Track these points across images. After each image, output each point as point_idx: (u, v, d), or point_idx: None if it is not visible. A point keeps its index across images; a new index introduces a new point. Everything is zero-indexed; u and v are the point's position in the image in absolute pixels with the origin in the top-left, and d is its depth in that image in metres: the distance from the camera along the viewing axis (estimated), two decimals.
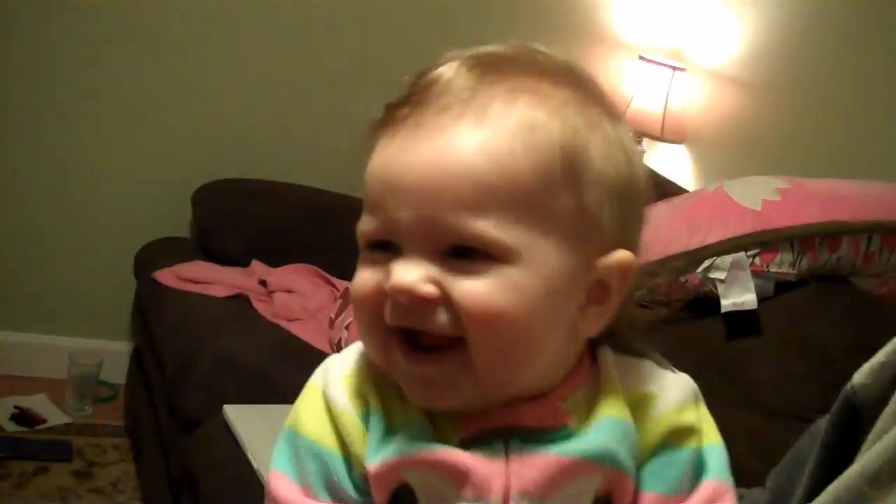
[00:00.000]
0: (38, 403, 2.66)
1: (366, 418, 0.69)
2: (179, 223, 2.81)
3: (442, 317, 0.64)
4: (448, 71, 0.68)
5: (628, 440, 0.68)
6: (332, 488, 0.69)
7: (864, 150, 2.40)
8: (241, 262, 2.58)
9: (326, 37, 2.86)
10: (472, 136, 0.64)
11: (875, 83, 2.42)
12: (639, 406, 0.70)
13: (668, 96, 2.94)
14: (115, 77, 2.70)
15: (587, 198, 0.66)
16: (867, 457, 0.56)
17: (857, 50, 2.50)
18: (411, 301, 0.64)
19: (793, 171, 1.96)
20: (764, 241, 1.74)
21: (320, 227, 2.69)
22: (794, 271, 1.77)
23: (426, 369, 0.66)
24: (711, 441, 0.72)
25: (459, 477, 0.65)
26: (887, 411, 0.62)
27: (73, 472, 2.40)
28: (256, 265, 2.55)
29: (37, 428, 2.55)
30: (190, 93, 2.78)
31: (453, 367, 0.65)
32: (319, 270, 2.58)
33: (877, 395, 0.70)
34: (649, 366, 0.73)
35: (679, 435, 0.70)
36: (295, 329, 2.26)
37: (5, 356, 2.75)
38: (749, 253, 1.74)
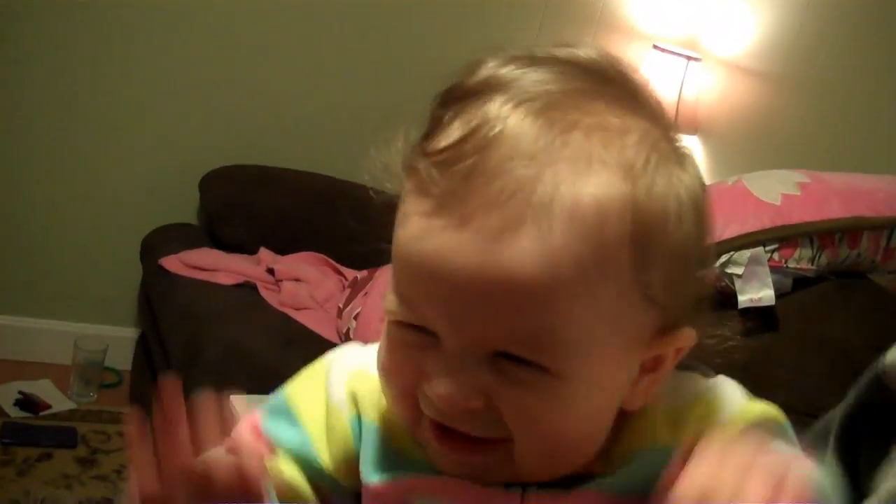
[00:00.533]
0: (43, 389, 2.64)
1: (356, 422, 0.67)
2: (187, 209, 2.80)
3: (486, 422, 0.59)
4: (506, 121, 0.56)
5: (651, 467, 0.61)
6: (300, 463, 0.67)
7: (883, 143, 2.37)
8: (248, 249, 2.57)
9: (335, 23, 2.83)
10: (531, 246, 0.54)
11: (892, 75, 2.39)
12: (701, 420, 0.63)
13: (682, 86, 2.90)
14: (123, 63, 2.68)
15: (653, 280, 0.57)
16: None
17: (874, 40, 2.46)
18: (456, 413, 0.58)
19: (808, 165, 1.93)
20: (783, 237, 1.72)
21: (329, 214, 2.67)
22: (813, 267, 1.75)
23: (463, 458, 0.61)
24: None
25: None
26: None
27: (78, 459, 2.39)
28: (264, 252, 2.54)
29: (41, 414, 2.54)
30: (198, 79, 2.76)
31: (494, 460, 0.60)
32: (328, 259, 2.57)
33: None
34: (694, 378, 0.66)
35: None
36: (302, 318, 2.25)
37: (10, 341, 2.74)
38: (767, 248, 1.72)
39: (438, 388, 0.57)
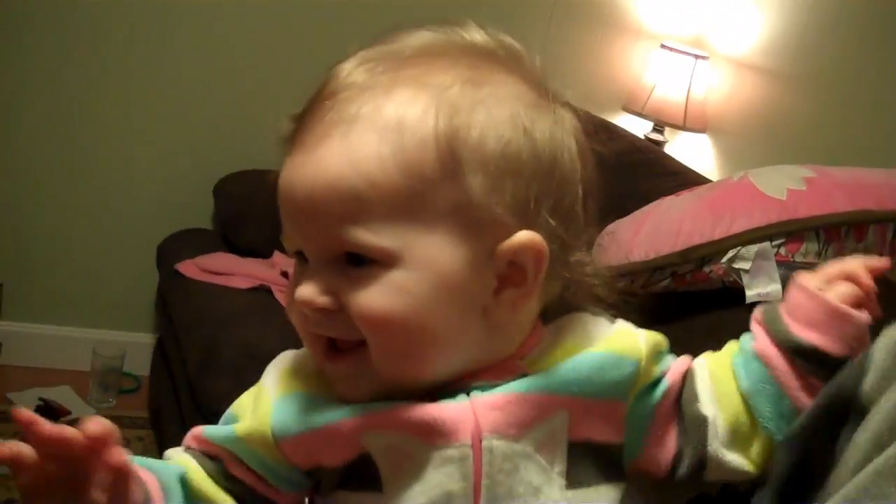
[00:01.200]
0: (63, 395, 2.68)
1: (283, 400, 0.72)
2: (202, 215, 2.83)
3: (342, 324, 0.67)
4: (342, 71, 0.69)
5: (588, 367, 0.70)
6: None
7: (888, 138, 2.38)
8: (262, 253, 2.58)
9: (352, 26, 2.85)
10: (339, 149, 0.65)
11: None
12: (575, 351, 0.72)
13: (690, 85, 2.92)
14: (139, 69, 2.71)
15: (473, 185, 0.65)
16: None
17: (880, 38, 2.48)
18: (312, 312, 0.68)
19: (816, 160, 1.94)
20: (789, 231, 1.72)
21: None
22: (820, 261, 1.75)
23: (335, 367, 0.70)
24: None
25: (428, 428, 0.67)
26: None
27: None
28: (278, 256, 2.56)
29: (61, 420, 2.55)
30: (213, 84, 2.78)
31: (355, 365, 0.68)
32: None
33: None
34: (606, 318, 0.76)
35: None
36: None
37: (30, 348, 2.78)
38: (774, 243, 1.73)
39: (299, 293, 0.68)
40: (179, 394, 2.25)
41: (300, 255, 0.70)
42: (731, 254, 1.73)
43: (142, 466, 0.68)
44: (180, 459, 0.75)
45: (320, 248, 0.67)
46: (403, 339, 0.67)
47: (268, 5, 2.77)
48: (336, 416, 0.69)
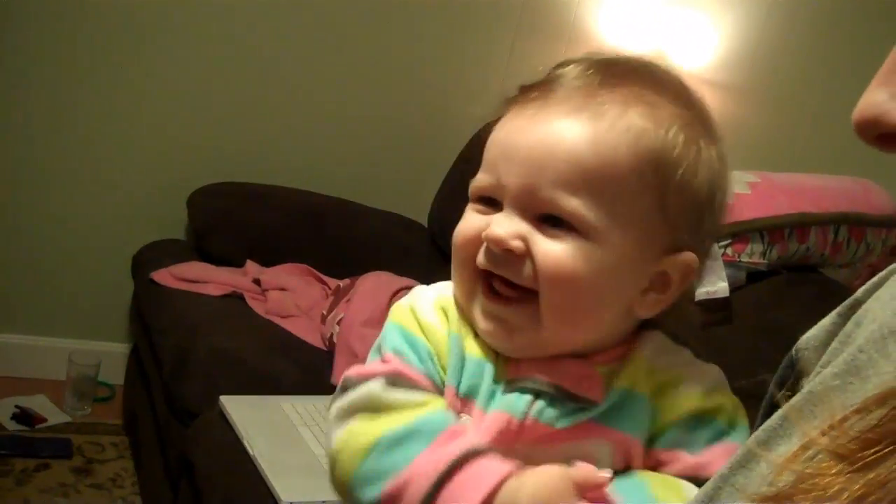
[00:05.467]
0: (39, 403, 2.71)
1: (449, 335, 0.81)
2: (175, 225, 2.87)
3: (523, 269, 0.76)
4: (575, 70, 0.80)
5: (633, 408, 0.77)
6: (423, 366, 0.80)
7: (831, 146, 2.48)
8: (235, 262, 2.64)
9: (323, 43, 2.91)
10: (585, 127, 0.75)
11: (842, 85, 2.50)
12: (668, 385, 0.79)
13: None
14: (112, 80, 2.75)
15: (669, 203, 0.77)
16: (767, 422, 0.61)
17: (825, 55, 2.59)
18: (500, 250, 0.76)
19: (765, 168, 2.03)
20: (735, 232, 1.82)
21: (312, 228, 2.76)
22: (765, 261, 1.85)
23: (501, 310, 0.78)
24: (738, 421, 0.80)
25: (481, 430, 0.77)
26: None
27: (74, 469, 2.45)
28: (250, 265, 2.61)
29: (37, 427, 2.61)
30: (186, 97, 2.83)
31: (522, 313, 0.77)
32: (311, 269, 2.64)
33: (814, 359, 0.76)
34: (684, 354, 0.82)
35: (707, 412, 0.79)
36: (288, 325, 2.33)
37: (6, 358, 2.81)
38: (721, 243, 1.82)
39: (492, 229, 0.76)
40: (154, 399, 2.29)
41: (484, 200, 0.79)
42: None
43: None
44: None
45: (529, 199, 0.76)
46: (575, 298, 0.76)
47: (243, 20, 2.82)
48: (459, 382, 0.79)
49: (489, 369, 0.79)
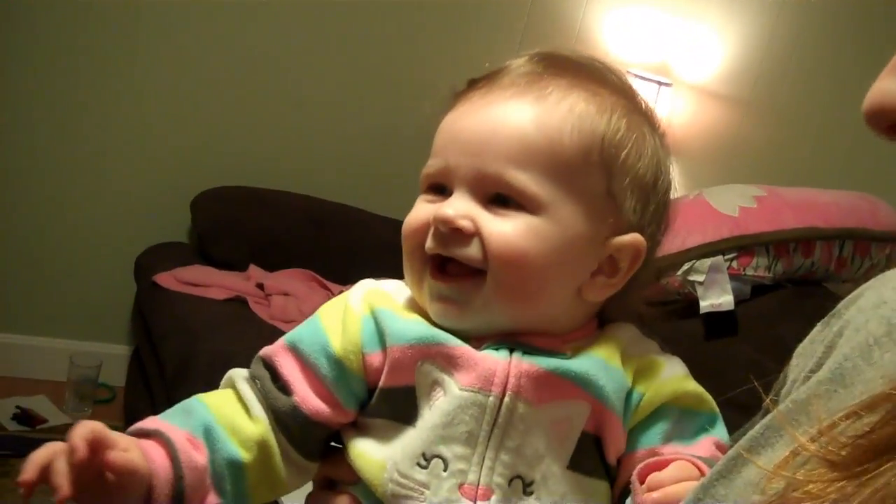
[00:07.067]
0: (39, 404, 2.71)
1: (368, 319, 0.80)
2: (178, 228, 2.87)
3: (472, 249, 0.77)
4: (520, 61, 0.82)
5: (614, 381, 0.77)
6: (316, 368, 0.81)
7: (836, 161, 2.49)
8: (238, 266, 2.64)
9: (329, 48, 2.92)
10: (529, 109, 0.78)
11: (848, 99, 2.50)
12: (647, 369, 0.80)
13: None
14: (117, 84, 2.76)
15: (615, 184, 0.79)
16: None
17: (830, 68, 2.59)
18: (449, 230, 0.77)
19: (770, 181, 2.04)
20: (741, 246, 1.82)
21: (315, 233, 2.76)
22: (770, 275, 1.85)
23: (448, 288, 0.78)
24: (716, 411, 0.82)
25: (466, 368, 0.76)
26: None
27: None
28: (253, 269, 2.61)
29: (38, 427, 2.61)
30: (190, 100, 2.84)
31: (469, 290, 0.78)
32: (315, 275, 2.64)
33: (801, 367, 0.76)
34: (654, 345, 0.84)
35: (688, 398, 0.80)
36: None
37: (8, 358, 2.81)
38: (726, 257, 1.82)
39: (441, 210, 0.77)
40: (156, 402, 2.29)
41: (435, 189, 0.81)
42: (685, 267, 1.82)
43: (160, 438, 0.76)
44: (206, 399, 0.84)
45: (477, 179, 0.77)
46: (523, 276, 0.77)
47: (249, 25, 2.83)
48: (409, 337, 0.78)
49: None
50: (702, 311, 1.80)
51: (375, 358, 0.79)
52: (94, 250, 2.87)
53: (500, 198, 0.77)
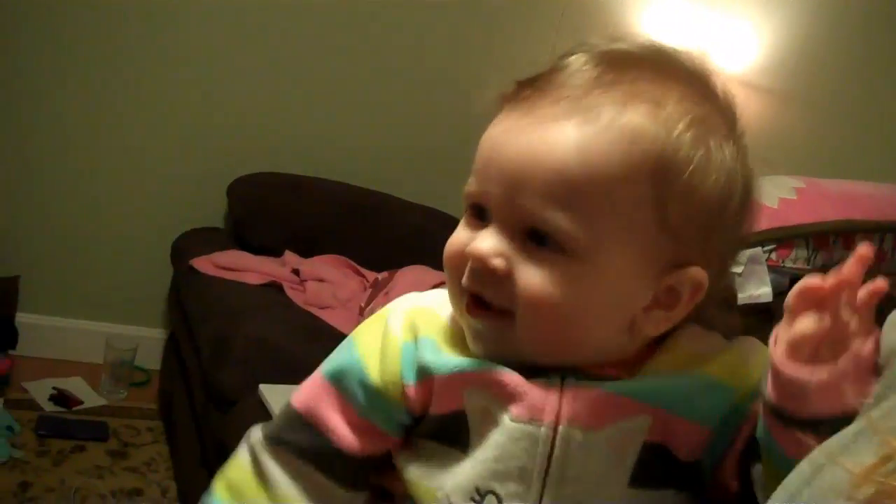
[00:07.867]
0: (76, 386, 2.75)
1: (409, 346, 0.77)
2: (215, 214, 2.90)
3: (501, 289, 0.71)
4: (575, 63, 0.73)
5: (681, 387, 0.73)
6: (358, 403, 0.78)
7: (877, 153, 2.46)
8: (273, 252, 2.66)
9: (370, 37, 2.94)
10: (573, 133, 0.69)
11: (889, 89, 2.48)
12: (727, 364, 0.74)
13: None
14: (157, 71, 2.78)
15: (671, 213, 0.70)
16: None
17: (873, 58, 2.56)
18: (482, 267, 0.72)
19: (809, 173, 2.01)
20: (780, 238, 1.80)
21: (351, 220, 2.77)
22: (809, 267, 1.83)
23: (478, 323, 0.74)
24: None
25: (516, 399, 0.72)
26: None
27: (109, 452, 2.48)
28: (289, 255, 2.63)
29: (74, 409, 2.64)
30: (228, 90, 2.86)
31: (501, 329, 0.72)
32: (350, 261, 2.66)
33: None
34: (718, 336, 0.77)
35: None
36: (326, 316, 2.34)
37: (45, 340, 2.84)
38: (765, 248, 1.80)
39: (476, 245, 0.72)
40: (192, 385, 2.31)
41: (476, 209, 0.74)
42: None
43: None
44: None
45: (514, 214, 0.71)
46: (554, 324, 0.71)
47: (289, 10, 2.84)
48: (452, 367, 0.75)
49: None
50: (740, 302, 1.78)
51: (416, 389, 0.76)
52: (131, 234, 2.90)
53: (538, 234, 0.70)
